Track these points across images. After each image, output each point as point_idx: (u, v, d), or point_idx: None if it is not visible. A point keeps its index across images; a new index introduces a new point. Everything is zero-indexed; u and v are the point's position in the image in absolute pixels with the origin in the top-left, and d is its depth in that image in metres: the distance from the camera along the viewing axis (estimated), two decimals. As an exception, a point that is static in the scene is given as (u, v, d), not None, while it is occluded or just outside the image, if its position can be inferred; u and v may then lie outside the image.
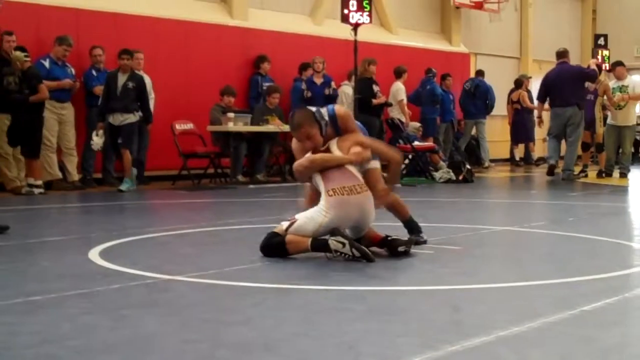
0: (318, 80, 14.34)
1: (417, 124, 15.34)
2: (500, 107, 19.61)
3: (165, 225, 7.41)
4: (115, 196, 10.69)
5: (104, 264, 5.34)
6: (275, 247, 5.57)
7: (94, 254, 5.70)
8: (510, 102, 18.72)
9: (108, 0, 12.57)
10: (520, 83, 18.80)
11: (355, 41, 13.42)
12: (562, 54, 14.10)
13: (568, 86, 13.41)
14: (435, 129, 16.40)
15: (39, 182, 10.72)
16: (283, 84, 14.00)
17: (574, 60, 23.07)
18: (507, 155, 19.63)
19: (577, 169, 14.77)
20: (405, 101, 15.44)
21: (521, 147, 19.35)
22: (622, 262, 5.80)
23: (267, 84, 13.72)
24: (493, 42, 20.57)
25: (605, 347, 3.46)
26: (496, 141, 19.54)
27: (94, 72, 11.89)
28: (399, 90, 15.42)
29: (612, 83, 14.59)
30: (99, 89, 11.66)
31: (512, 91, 18.94)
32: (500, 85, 19.80)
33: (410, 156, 14.05)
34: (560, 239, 6.97)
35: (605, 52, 21.00)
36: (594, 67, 13.84)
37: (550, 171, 13.79)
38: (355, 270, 5.39)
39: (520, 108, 18.39)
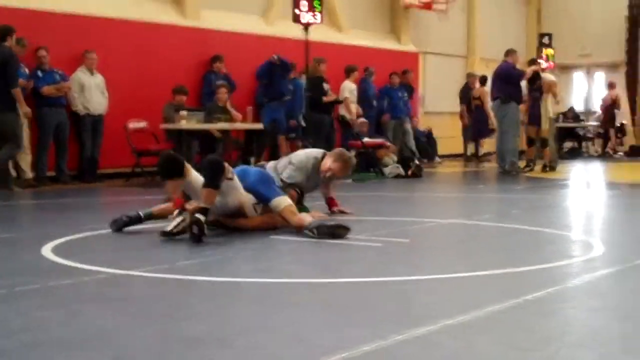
0: None
1: (361, 119, 15.39)
2: (449, 104, 19.72)
3: (119, 222, 7.31)
4: (69, 193, 10.57)
5: (58, 260, 5.28)
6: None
7: (47, 250, 5.63)
8: (472, 98, 18.61)
9: (61, 2, 12.41)
10: (484, 80, 18.58)
11: (307, 41, 13.43)
12: (505, 53, 14.90)
13: (496, 82, 14.50)
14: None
15: None
16: (237, 84, 13.96)
17: (519, 57, 23.40)
18: (456, 151, 19.76)
19: (522, 164, 14.97)
20: (351, 98, 15.47)
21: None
22: (563, 253, 5.88)
23: (217, 82, 13.64)
24: (441, 42, 20.69)
25: (547, 335, 3.50)
26: (446, 137, 19.70)
27: (39, 73, 11.72)
28: (344, 88, 15.50)
29: None
30: (47, 89, 11.62)
31: (465, 88, 18.95)
32: (448, 82, 19.92)
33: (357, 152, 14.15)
34: (505, 231, 7.05)
35: (550, 51, 21.32)
36: (529, 70, 14.82)
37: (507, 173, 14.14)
38: (306, 263, 5.42)
39: (481, 104, 18.34)
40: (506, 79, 14.27)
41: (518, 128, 14.71)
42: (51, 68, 11.82)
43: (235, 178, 6.46)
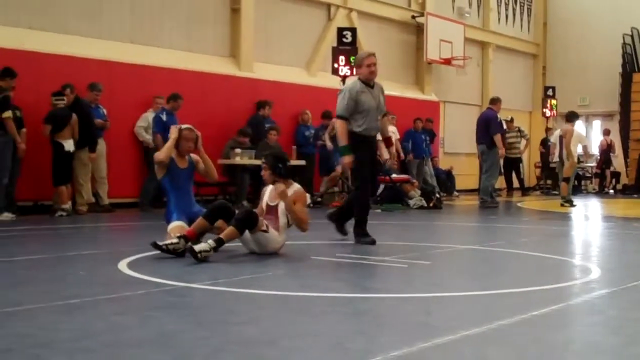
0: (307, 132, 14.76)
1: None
2: (465, 146, 19.67)
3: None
4: (141, 217, 10.69)
5: (132, 274, 5.35)
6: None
7: (123, 265, 5.71)
8: None
9: (137, 54, 12.64)
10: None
11: (344, 90, 13.49)
12: (491, 101, 14.63)
13: (481, 128, 14.00)
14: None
15: (65, 206, 10.67)
16: (282, 126, 14.08)
17: (526, 107, 23.30)
18: (472, 187, 19.69)
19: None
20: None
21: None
22: (565, 276, 5.84)
23: (267, 125, 13.76)
24: (459, 92, 20.73)
25: (552, 345, 3.49)
26: (463, 174, 19.68)
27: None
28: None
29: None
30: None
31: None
32: (465, 127, 19.92)
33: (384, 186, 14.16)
34: (514, 256, 6.99)
35: (554, 102, 21.28)
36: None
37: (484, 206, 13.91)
38: (342, 280, 5.43)
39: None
40: (489, 127, 13.77)
41: (498, 170, 14.54)
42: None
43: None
